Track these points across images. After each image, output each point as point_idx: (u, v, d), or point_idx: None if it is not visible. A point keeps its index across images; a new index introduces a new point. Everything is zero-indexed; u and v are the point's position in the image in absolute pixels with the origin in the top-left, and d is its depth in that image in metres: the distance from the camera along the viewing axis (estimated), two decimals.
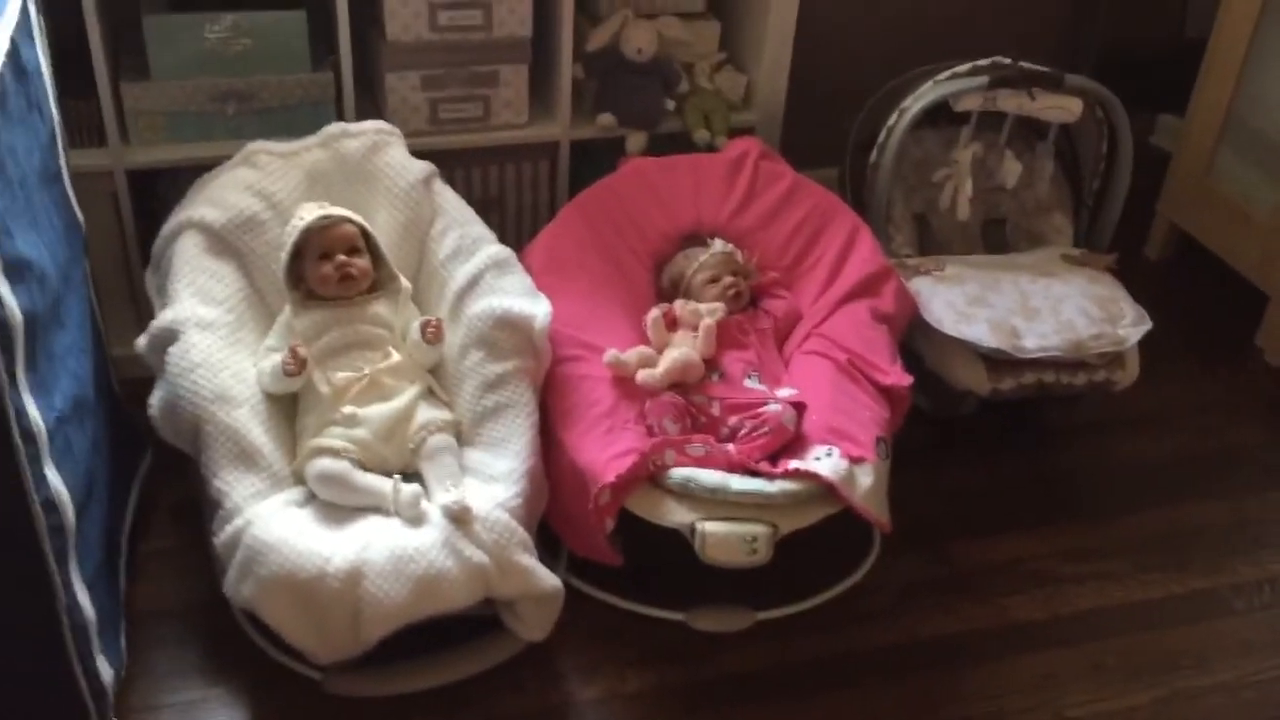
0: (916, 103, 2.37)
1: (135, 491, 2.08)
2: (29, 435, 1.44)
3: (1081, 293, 2.31)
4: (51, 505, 1.49)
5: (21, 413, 1.43)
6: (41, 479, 1.47)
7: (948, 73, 2.41)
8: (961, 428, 2.43)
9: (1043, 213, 2.56)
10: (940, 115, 2.46)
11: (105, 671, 1.64)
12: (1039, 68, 2.40)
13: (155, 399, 1.90)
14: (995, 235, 2.59)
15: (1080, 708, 1.91)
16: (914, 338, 2.33)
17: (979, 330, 2.20)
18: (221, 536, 1.77)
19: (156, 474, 2.16)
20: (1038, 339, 2.20)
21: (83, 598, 1.58)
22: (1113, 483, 2.37)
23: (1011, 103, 2.38)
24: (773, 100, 2.61)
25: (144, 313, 2.06)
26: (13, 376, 1.41)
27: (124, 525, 1.98)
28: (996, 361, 2.21)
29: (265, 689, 1.84)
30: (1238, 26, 2.72)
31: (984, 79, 2.37)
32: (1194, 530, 2.26)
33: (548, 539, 1.99)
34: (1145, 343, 2.26)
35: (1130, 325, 2.25)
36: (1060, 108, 2.39)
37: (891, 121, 2.41)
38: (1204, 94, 2.82)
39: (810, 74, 2.69)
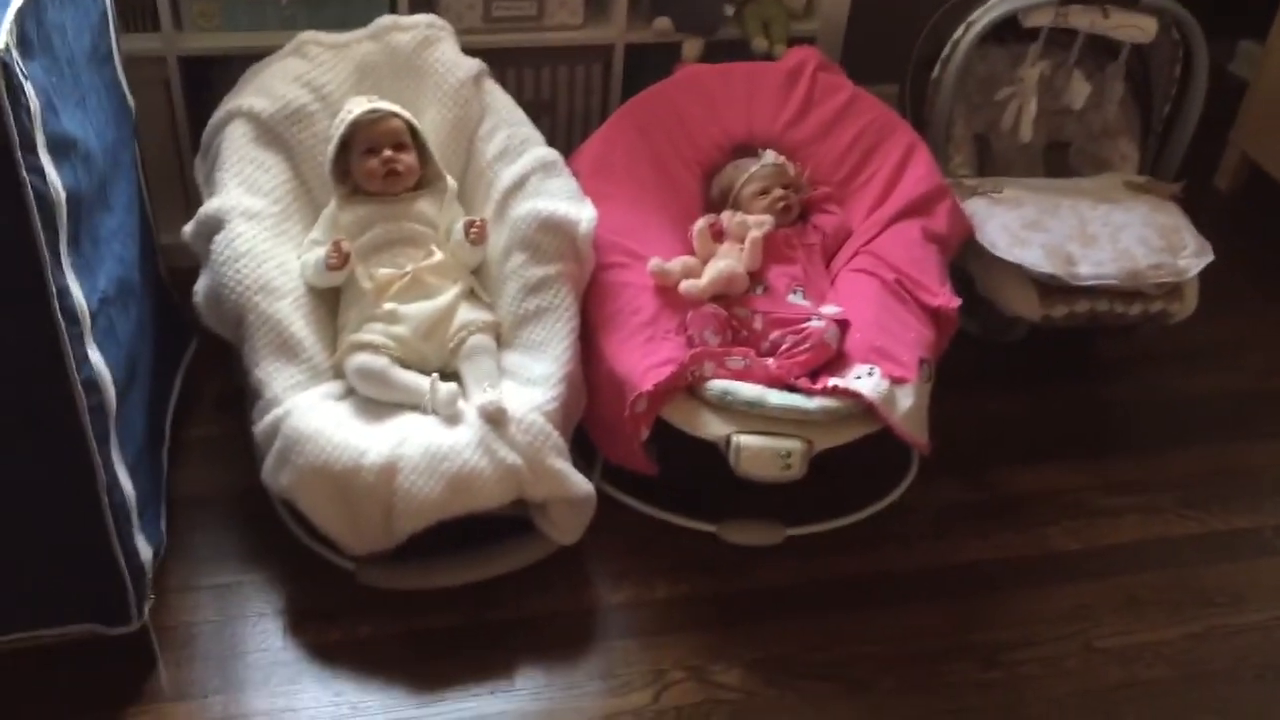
0: (985, 16, 2.29)
1: (179, 379, 2.11)
2: (71, 314, 1.45)
3: (1143, 221, 2.24)
4: (93, 385, 1.51)
5: (64, 291, 1.44)
6: (84, 358, 1.49)
7: None
8: (1011, 355, 2.39)
9: (1109, 137, 2.47)
10: (1008, 31, 2.38)
11: (144, 550, 1.68)
12: None
13: (200, 287, 1.92)
14: (1058, 159, 2.52)
15: (1110, 639, 1.89)
16: (967, 260, 2.28)
17: (1033, 254, 2.15)
18: (261, 425, 1.80)
19: (201, 362, 2.18)
20: (1093, 266, 2.14)
21: (123, 477, 1.61)
22: (1162, 417, 2.33)
23: (1083, 19, 2.29)
24: (835, 10, 2.54)
25: (194, 202, 2.06)
26: (56, 254, 1.42)
27: (167, 410, 2.01)
28: (1050, 287, 2.16)
29: (299, 576, 1.87)
30: None
31: None
32: (1242, 469, 2.21)
33: (584, 445, 1.99)
34: (1206, 275, 2.20)
35: (1191, 256, 2.19)
36: (1134, 26, 2.30)
37: (957, 35, 2.33)
38: None
39: None
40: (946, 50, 2.35)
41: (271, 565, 1.89)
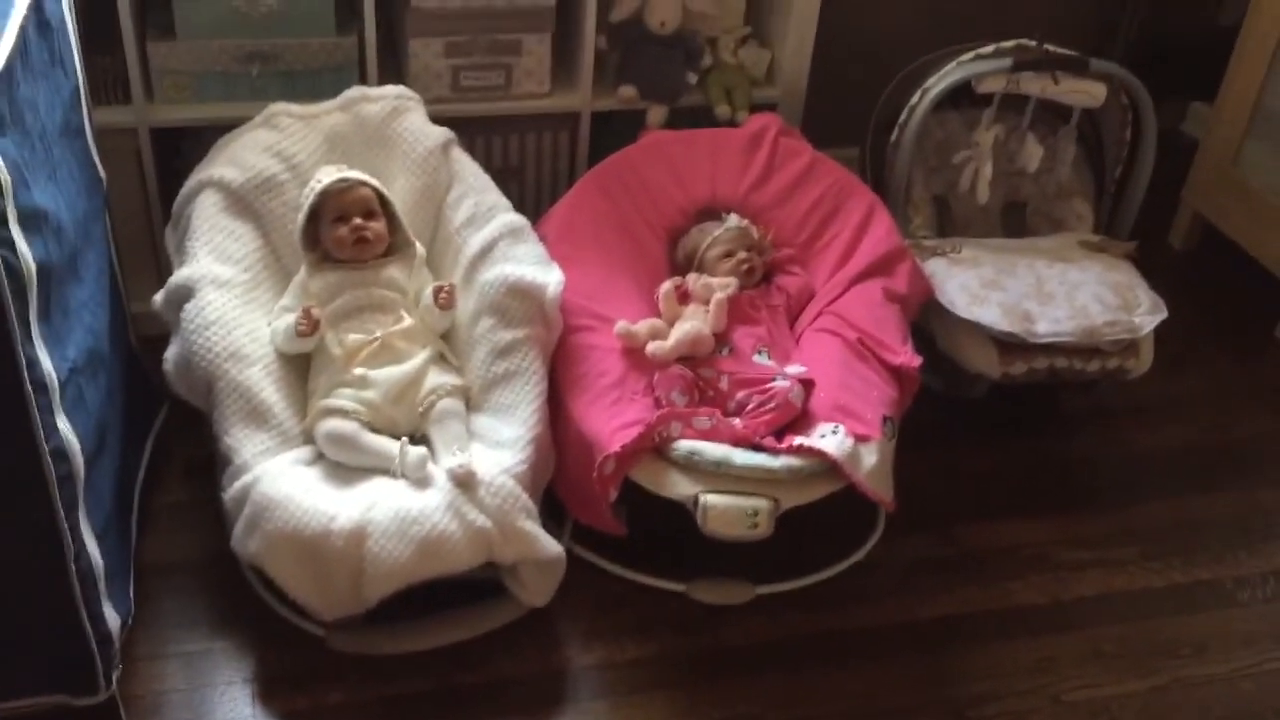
0: (939, 82, 2.36)
1: (149, 445, 2.11)
2: (40, 385, 1.46)
3: (1098, 279, 2.29)
4: (62, 454, 1.52)
5: (34, 362, 1.45)
6: (52, 428, 1.50)
7: (971, 54, 2.39)
8: (972, 410, 2.43)
9: (1064, 198, 2.54)
10: (963, 96, 2.44)
11: (112, 619, 1.67)
12: (1064, 51, 2.38)
13: (170, 355, 1.93)
14: (1015, 219, 2.58)
15: (1077, 693, 1.91)
16: (927, 319, 2.32)
17: (992, 313, 2.19)
18: (230, 491, 1.80)
19: (171, 429, 2.19)
20: (1051, 324, 2.19)
21: (91, 546, 1.61)
22: (1122, 471, 2.37)
23: (1035, 85, 2.36)
24: (795, 77, 2.60)
25: (165, 270, 2.08)
26: (26, 325, 1.44)
27: (137, 478, 2.01)
28: (1008, 345, 2.20)
29: (270, 643, 1.87)
30: (1271, 14, 2.67)
31: (1008, 61, 2.35)
32: (1201, 521, 2.25)
33: (553, 506, 2.01)
34: (1162, 332, 2.25)
35: (1146, 313, 2.24)
36: (1084, 92, 2.37)
37: (914, 101, 2.40)
38: (1234, 82, 2.79)
39: (834, 52, 2.68)
40: (904, 115, 2.41)
41: (240, 632, 1.89)
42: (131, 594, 1.82)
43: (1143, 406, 2.49)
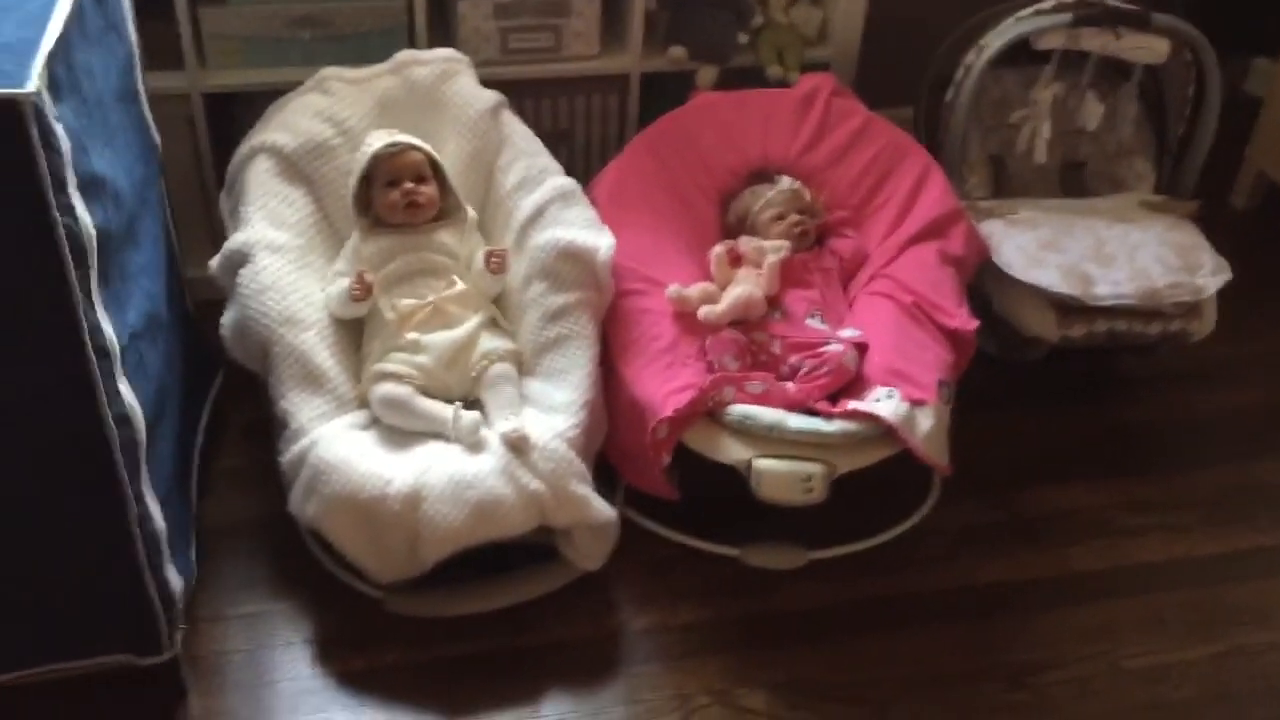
0: (997, 39, 2.31)
1: (207, 410, 2.13)
2: (102, 350, 1.48)
3: (1159, 240, 2.25)
4: (124, 419, 1.53)
5: (96, 328, 1.47)
6: (115, 393, 1.52)
7: (1030, 9, 2.34)
8: (1029, 374, 2.40)
9: (1124, 157, 2.48)
10: (1021, 54, 2.39)
11: (175, 581, 1.70)
12: (1125, 5, 2.32)
13: (226, 319, 1.94)
14: (1074, 179, 2.53)
15: (1137, 659, 1.89)
16: (984, 281, 2.29)
17: (1050, 275, 2.16)
18: (287, 456, 1.82)
19: (228, 394, 2.21)
20: (1111, 286, 2.15)
21: (154, 509, 1.63)
22: (1183, 436, 2.33)
23: (1095, 41, 2.31)
24: (848, 36, 2.56)
25: (219, 235, 2.10)
26: (87, 292, 1.45)
27: (196, 442, 2.04)
28: (1067, 308, 2.17)
29: (328, 605, 1.89)
30: None
31: (1068, 16, 2.29)
32: (1264, 486, 2.21)
33: (606, 471, 2.01)
34: (1225, 294, 2.20)
35: (1209, 275, 2.19)
36: (1146, 48, 2.32)
37: (970, 59, 2.35)
38: None
39: (888, 10, 2.62)
40: (960, 74, 2.37)
41: (299, 594, 1.91)
42: (193, 556, 1.85)
43: (1204, 370, 2.44)
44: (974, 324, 2.05)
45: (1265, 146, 2.84)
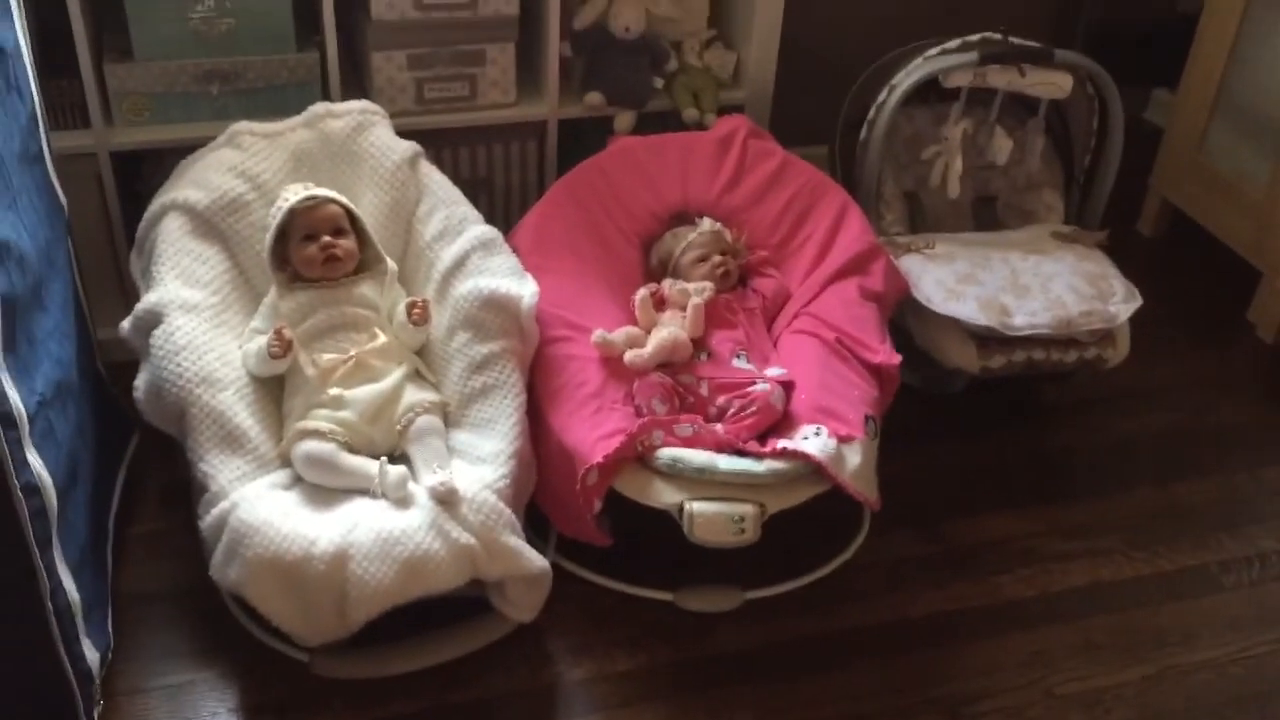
0: (907, 79, 2.36)
1: (122, 475, 2.07)
2: (9, 419, 1.43)
3: (1071, 270, 2.30)
4: (33, 489, 1.48)
5: (1, 396, 1.42)
6: (22, 463, 1.47)
7: (938, 49, 2.40)
8: (952, 406, 2.43)
9: (1034, 189, 2.54)
10: (931, 92, 2.44)
11: (91, 654, 1.64)
12: (1029, 43, 2.39)
13: (140, 382, 1.89)
14: (986, 212, 2.59)
15: (1070, 685, 1.91)
16: (904, 316, 2.32)
17: (969, 308, 2.19)
18: (207, 519, 1.77)
19: (143, 457, 2.15)
20: (1027, 316, 2.19)
21: (67, 581, 1.58)
22: (1104, 460, 2.37)
23: (1001, 79, 2.37)
24: (762, 78, 2.59)
25: (130, 296, 2.05)
26: None
27: (110, 508, 1.98)
28: (986, 339, 2.21)
29: (253, 672, 1.83)
30: (1230, 0, 2.69)
31: (974, 55, 2.35)
32: (1184, 507, 2.26)
33: (536, 520, 1.99)
34: (1137, 320, 2.26)
35: (1121, 302, 2.25)
36: (1051, 83, 2.38)
37: (881, 98, 2.40)
38: (1196, 68, 2.81)
39: (800, 51, 2.67)
40: (872, 113, 2.41)
41: (223, 661, 1.85)
42: (110, 627, 1.78)
43: (1121, 395, 2.49)
44: (897, 358, 2.07)
45: (1167, 174, 2.93)
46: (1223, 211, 2.77)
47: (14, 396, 1.45)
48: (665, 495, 1.84)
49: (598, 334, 2.02)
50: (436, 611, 1.80)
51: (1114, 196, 2.50)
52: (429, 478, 1.80)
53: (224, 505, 1.75)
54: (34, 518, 1.49)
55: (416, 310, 1.97)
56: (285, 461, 1.86)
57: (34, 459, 1.49)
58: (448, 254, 2.05)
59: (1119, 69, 2.43)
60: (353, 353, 1.93)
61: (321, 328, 1.96)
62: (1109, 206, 2.51)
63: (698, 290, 2.13)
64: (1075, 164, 2.55)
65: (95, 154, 2.23)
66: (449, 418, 1.94)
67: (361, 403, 1.89)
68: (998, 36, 2.39)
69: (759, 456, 1.87)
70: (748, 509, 1.81)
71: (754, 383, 1.98)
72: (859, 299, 2.15)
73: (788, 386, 1.99)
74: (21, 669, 1.58)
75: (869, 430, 1.94)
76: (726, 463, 1.85)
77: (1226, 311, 2.76)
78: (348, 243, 1.99)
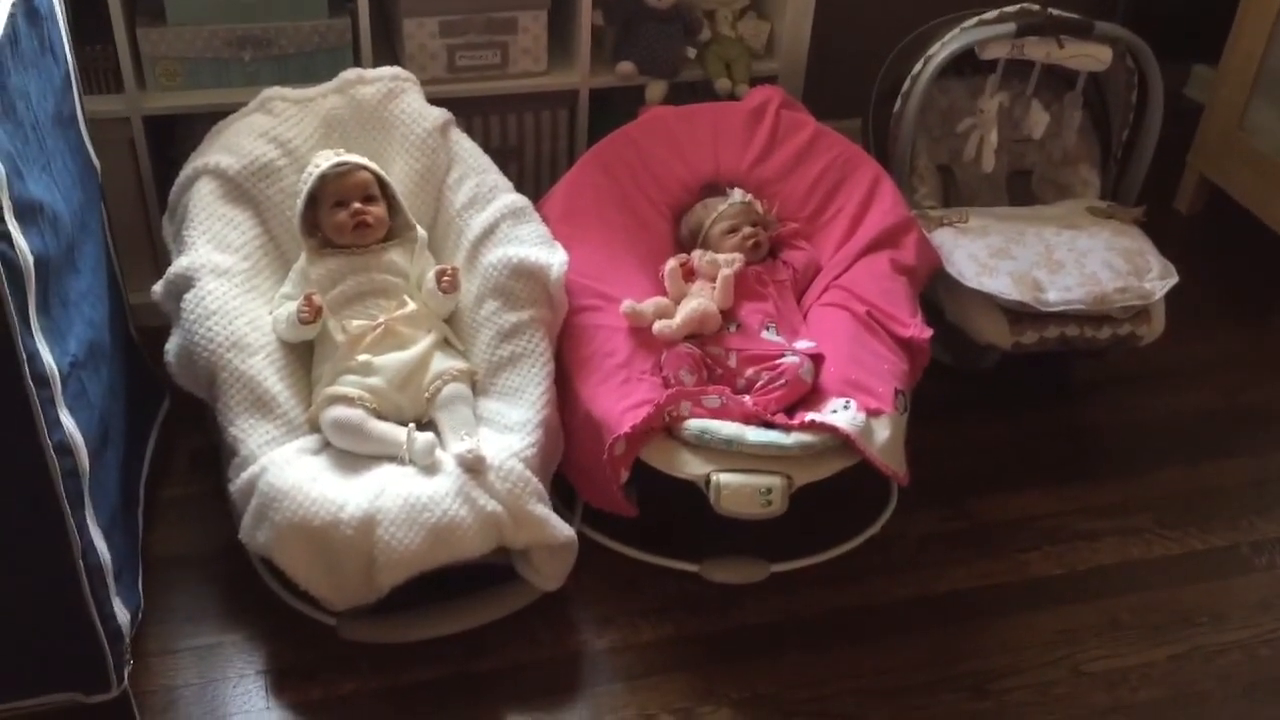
0: (942, 50, 2.33)
1: (153, 438, 2.09)
2: (42, 379, 1.44)
3: (1107, 245, 2.27)
4: (65, 449, 1.49)
5: (34, 356, 1.43)
6: (55, 423, 1.47)
7: (974, 20, 2.36)
8: (983, 382, 2.41)
9: (1070, 164, 2.51)
10: (966, 64, 2.41)
11: (121, 614, 1.65)
12: (1068, 15, 2.35)
13: (171, 346, 1.90)
14: (1021, 187, 2.55)
15: (1097, 663, 1.90)
16: (936, 290, 2.30)
17: (1001, 283, 2.17)
18: (237, 483, 1.78)
19: (174, 421, 2.16)
20: (1061, 292, 2.16)
21: (98, 541, 1.59)
22: (1135, 439, 2.35)
23: (1039, 50, 2.33)
24: (796, 48, 2.56)
25: (162, 260, 2.06)
26: (25, 320, 1.41)
27: (141, 471, 1.99)
28: (1019, 314, 2.18)
29: (280, 634, 1.85)
30: None
31: (1011, 26, 2.31)
32: (1215, 488, 2.23)
33: (563, 490, 1.99)
34: (1172, 297, 2.23)
35: (1156, 279, 2.22)
36: (1089, 56, 2.34)
37: (916, 70, 2.37)
38: (1238, 44, 2.76)
39: (834, 22, 2.64)
40: (906, 84, 2.38)
41: (251, 624, 1.87)
42: (140, 589, 1.80)
43: (1154, 373, 2.47)
44: (928, 333, 2.05)
45: (1207, 152, 2.88)
46: (1262, 190, 2.73)
47: (47, 357, 1.46)
48: (692, 466, 1.84)
49: (627, 304, 2.02)
50: (462, 579, 1.80)
51: (1151, 173, 2.47)
52: (456, 445, 1.80)
53: (253, 469, 1.76)
54: (66, 477, 1.49)
55: (446, 278, 1.97)
56: (314, 427, 1.87)
57: (66, 419, 1.50)
58: (477, 222, 2.04)
59: (1159, 43, 2.39)
60: (382, 319, 1.93)
61: (351, 294, 1.96)
62: (1146, 183, 2.47)
63: (727, 261, 2.12)
64: (1113, 139, 2.51)
65: (128, 118, 2.23)
66: (477, 385, 1.94)
67: (390, 369, 1.89)
68: (1036, 7, 2.36)
69: (787, 429, 1.86)
70: (775, 481, 1.81)
71: (783, 355, 1.97)
72: (890, 272, 2.14)
73: (817, 359, 1.97)
74: (53, 628, 1.59)
75: (898, 405, 1.93)
76: (754, 434, 1.84)
77: (1263, 292, 2.72)
78: (378, 209, 1.99)
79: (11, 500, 1.48)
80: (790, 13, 2.52)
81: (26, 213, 1.45)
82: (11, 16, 1.54)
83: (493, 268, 1.97)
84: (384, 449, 1.83)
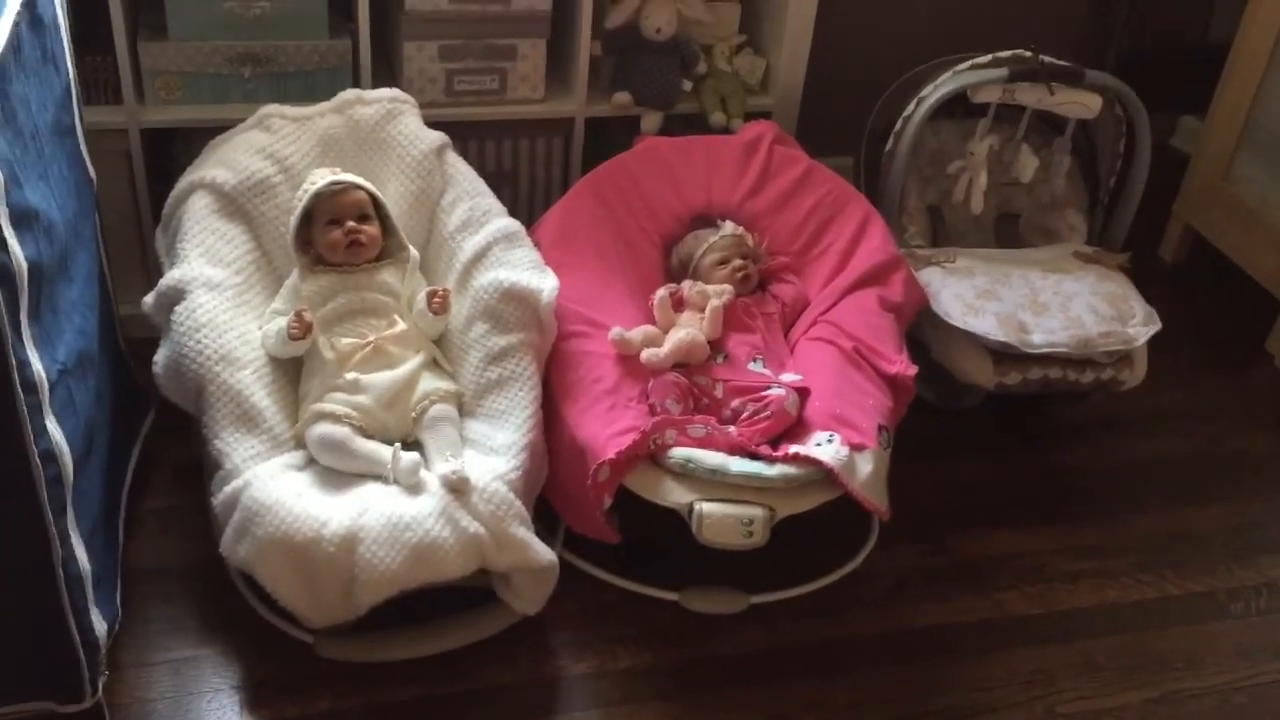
0: (935, 92, 2.36)
1: (137, 450, 2.09)
2: (30, 385, 1.44)
3: (1092, 290, 2.29)
4: (50, 456, 1.49)
5: (24, 363, 1.43)
6: (41, 430, 1.48)
7: (967, 63, 2.40)
8: (966, 421, 2.43)
9: (1057, 209, 2.54)
10: (958, 107, 2.45)
11: (99, 625, 1.64)
12: (1060, 62, 2.39)
13: (160, 357, 1.90)
14: (1008, 230, 2.58)
15: (1071, 704, 1.90)
16: (922, 328, 2.32)
17: (987, 323, 2.19)
18: (220, 496, 1.78)
19: (159, 433, 2.16)
20: (1045, 334, 2.19)
21: (79, 550, 1.59)
22: (1115, 482, 2.36)
23: (1030, 96, 2.37)
24: (791, 85, 2.60)
25: (154, 272, 2.06)
26: (16, 325, 1.41)
27: (124, 482, 1.99)
28: (1003, 355, 2.20)
29: (257, 650, 1.84)
30: (1262, 30, 2.69)
31: (1004, 71, 2.35)
32: (1194, 533, 2.25)
33: (546, 514, 1.99)
34: (1155, 344, 2.25)
35: (1140, 324, 2.24)
36: (1079, 103, 2.38)
37: (909, 110, 2.40)
38: (1225, 97, 2.80)
39: (829, 60, 2.68)
40: (899, 125, 2.41)
41: (228, 639, 1.86)
42: (118, 599, 1.79)
43: (1135, 418, 2.49)
44: (913, 370, 2.07)
45: (1192, 201, 2.92)
46: (1246, 240, 2.76)
47: (36, 363, 1.46)
48: (676, 494, 1.84)
49: (615, 331, 2.03)
50: (442, 600, 1.80)
51: (1137, 221, 2.50)
52: (441, 466, 1.80)
53: (237, 483, 1.76)
54: (50, 485, 1.49)
55: (436, 299, 1.98)
56: (300, 443, 1.87)
57: (53, 427, 1.50)
58: (470, 245, 2.06)
59: (1148, 94, 2.43)
60: (371, 338, 1.94)
61: (341, 312, 1.97)
62: (1132, 231, 2.50)
63: (717, 293, 2.13)
64: (1100, 185, 2.55)
65: (126, 130, 2.25)
66: (464, 407, 1.95)
67: (378, 388, 1.90)
68: (1028, 54, 2.39)
69: (771, 460, 1.87)
70: (757, 512, 1.81)
71: (769, 387, 1.99)
72: (877, 309, 2.15)
73: (802, 392, 1.99)
74: (29, 635, 1.59)
75: (882, 440, 1.94)
76: (738, 465, 1.85)
77: (1245, 340, 2.75)
78: (371, 229, 2.00)
79: None
80: (786, 50, 2.55)
81: (22, 220, 1.46)
82: (16, 25, 1.55)
83: (483, 291, 1.98)
84: (369, 467, 1.83)
